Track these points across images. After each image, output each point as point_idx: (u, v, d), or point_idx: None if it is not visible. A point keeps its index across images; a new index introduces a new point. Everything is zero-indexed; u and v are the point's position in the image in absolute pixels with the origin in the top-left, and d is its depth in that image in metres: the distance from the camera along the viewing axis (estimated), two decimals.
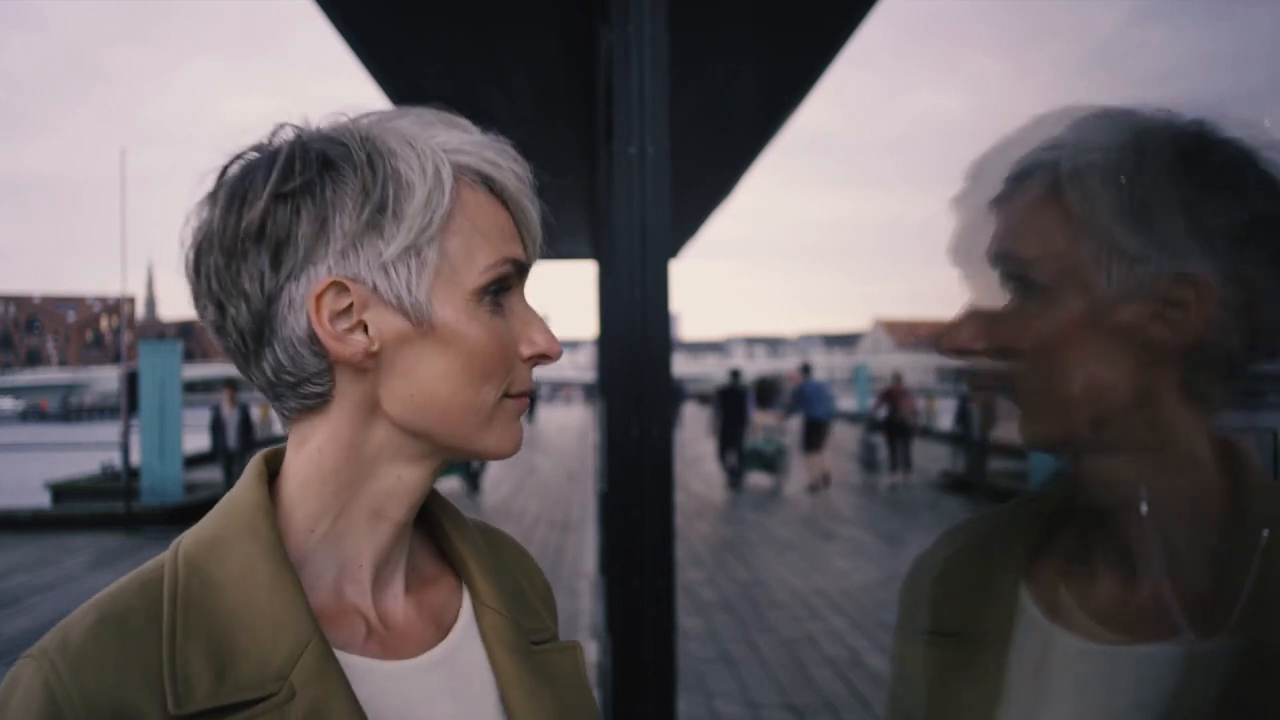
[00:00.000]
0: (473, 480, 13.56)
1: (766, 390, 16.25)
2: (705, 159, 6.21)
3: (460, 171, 0.65)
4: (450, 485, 13.69)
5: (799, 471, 14.15)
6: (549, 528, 10.51)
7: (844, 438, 20.54)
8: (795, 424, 15.00)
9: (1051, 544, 0.79)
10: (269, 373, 0.64)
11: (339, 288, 0.62)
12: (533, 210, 0.70)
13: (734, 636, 6.25)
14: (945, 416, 23.03)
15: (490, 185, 0.67)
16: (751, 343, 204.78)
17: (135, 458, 11.75)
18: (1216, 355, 0.67)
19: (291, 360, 0.63)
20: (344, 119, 0.66)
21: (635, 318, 1.95)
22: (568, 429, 28.31)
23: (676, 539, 2.02)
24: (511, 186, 0.67)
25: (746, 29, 3.99)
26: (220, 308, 0.63)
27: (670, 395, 2.04)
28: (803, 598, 7.23)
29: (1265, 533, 0.66)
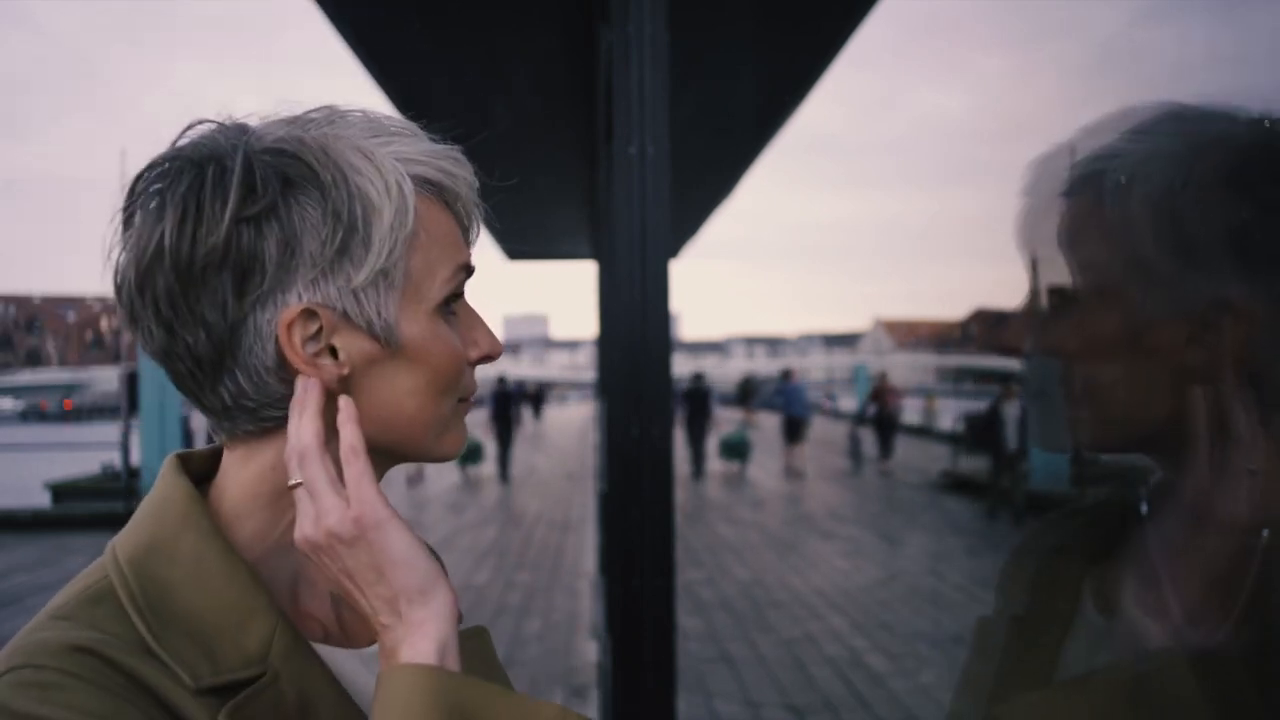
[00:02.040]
0: (503, 469, 15.15)
1: (749, 390, 18.75)
2: (705, 159, 6.20)
3: (416, 183, 0.64)
4: (485, 471, 15.36)
5: (774, 461, 16.28)
6: (549, 528, 10.51)
7: (839, 434, 20.54)
8: (763, 419, 17.45)
9: (1115, 543, 0.81)
10: (226, 399, 0.62)
11: (308, 313, 0.61)
12: (478, 214, 0.70)
13: (734, 636, 6.25)
14: (946, 416, 23.02)
15: (440, 193, 0.66)
16: (751, 343, 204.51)
17: (135, 458, 11.75)
18: (1256, 379, 0.65)
19: (255, 387, 0.62)
20: (283, 126, 0.63)
21: (635, 318, 1.95)
22: (567, 429, 28.33)
23: (676, 538, 2.02)
24: (464, 194, 0.67)
25: (746, 29, 3.99)
26: (170, 332, 0.60)
27: (670, 395, 2.04)
28: (803, 598, 7.23)
29: (1265, 533, 0.66)
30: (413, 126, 0.67)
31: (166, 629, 0.58)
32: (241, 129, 0.63)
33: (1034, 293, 0.76)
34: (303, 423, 0.61)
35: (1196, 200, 0.65)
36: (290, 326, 0.60)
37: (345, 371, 0.62)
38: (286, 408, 0.62)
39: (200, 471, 0.68)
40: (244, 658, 0.59)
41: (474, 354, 0.68)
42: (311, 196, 0.60)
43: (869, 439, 16.82)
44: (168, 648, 0.57)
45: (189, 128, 0.63)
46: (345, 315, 0.61)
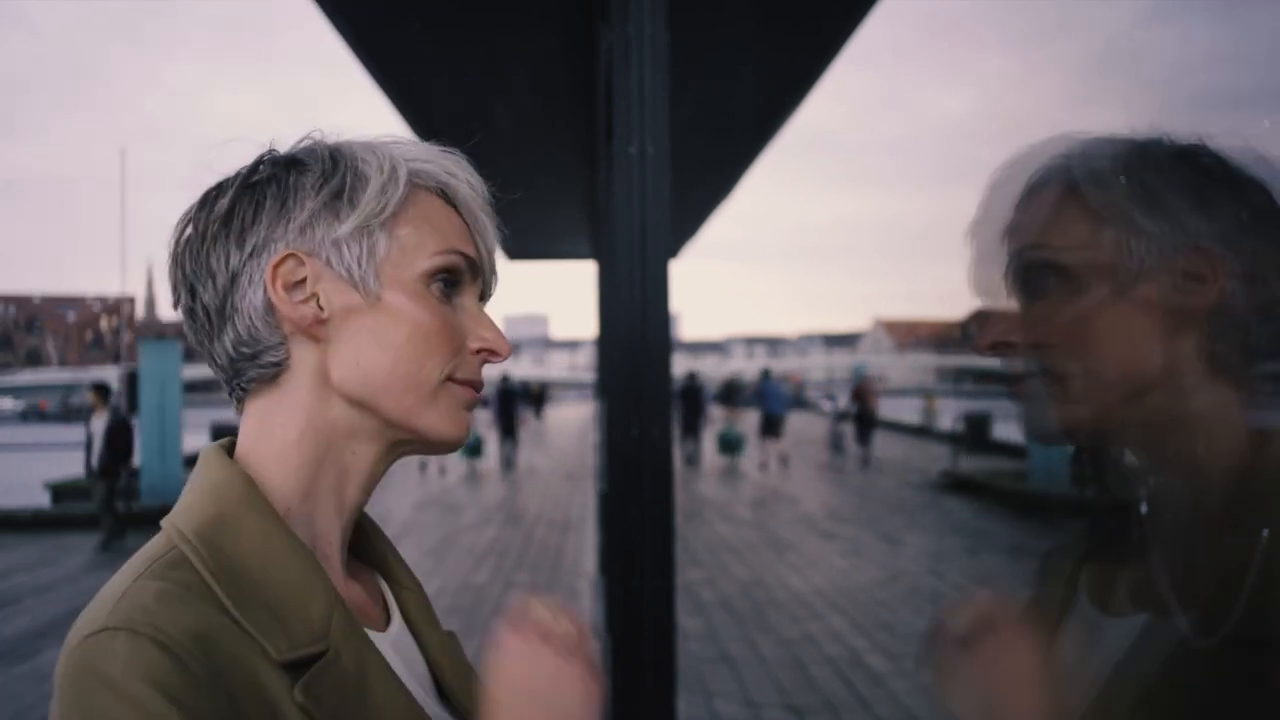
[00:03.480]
0: (508, 460, 16.80)
1: (732, 390, 20.00)
2: (705, 159, 6.20)
3: (417, 177, 0.71)
4: (488, 465, 16.49)
5: (756, 455, 17.08)
6: (549, 528, 10.51)
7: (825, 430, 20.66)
8: (753, 417, 18.34)
9: (1116, 541, 0.84)
10: (229, 346, 0.68)
11: (295, 260, 0.67)
12: (487, 221, 0.74)
13: (734, 636, 6.25)
14: (946, 416, 23.02)
15: (445, 195, 0.72)
16: (751, 343, 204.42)
17: (135, 458, 11.75)
18: (1234, 323, 0.72)
19: (249, 332, 0.67)
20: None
21: (635, 318, 1.95)
22: (567, 429, 28.35)
23: (676, 537, 2.02)
24: (465, 195, 0.72)
25: (746, 29, 3.99)
26: (192, 290, 0.68)
27: (670, 395, 2.04)
28: (803, 598, 7.23)
29: (1265, 533, 0.67)
30: (431, 145, 0.74)
31: (244, 597, 0.60)
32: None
33: (1013, 292, 0.81)
34: None
35: (1155, 168, 0.74)
36: (276, 269, 0.66)
37: (325, 316, 0.67)
38: (280, 355, 0.67)
39: None
40: (311, 633, 0.61)
41: (475, 344, 0.72)
42: (309, 166, 0.69)
43: (846, 432, 18.18)
44: (248, 616, 0.60)
45: None
46: (328, 264, 0.67)
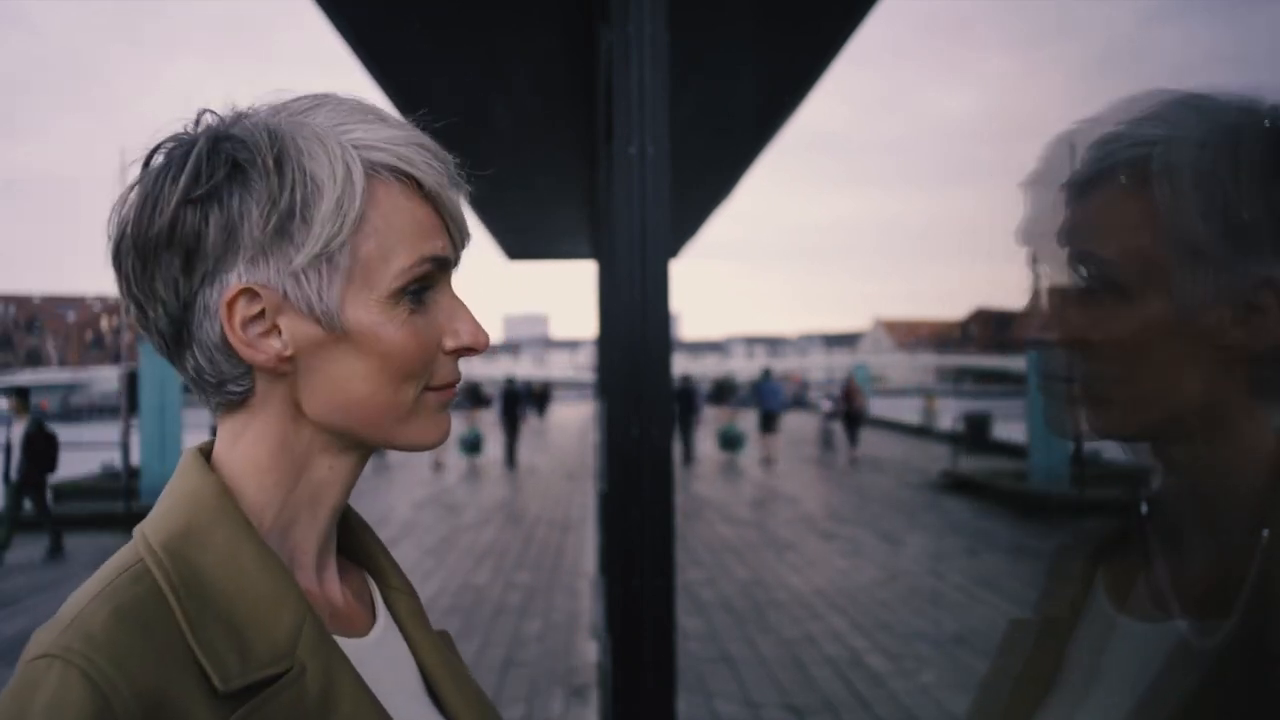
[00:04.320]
0: (510, 456, 17.03)
1: (725, 389, 21.06)
2: (705, 159, 6.21)
3: (374, 169, 0.63)
4: (488, 460, 17.05)
5: (756, 450, 17.99)
6: (549, 528, 10.51)
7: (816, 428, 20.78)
8: (744, 415, 19.76)
9: (1128, 541, 0.82)
10: (191, 371, 0.65)
11: (250, 294, 0.62)
12: (456, 196, 0.68)
13: (734, 636, 6.25)
14: (946, 416, 23.03)
15: (408, 180, 0.65)
16: (751, 343, 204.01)
17: (135, 458, 11.74)
18: None
19: (210, 363, 0.63)
20: (261, 112, 0.65)
21: (635, 318, 1.95)
22: (568, 428, 28.36)
23: (676, 537, 2.02)
24: (429, 181, 0.65)
25: (746, 29, 3.99)
26: (140, 308, 0.64)
27: (670, 395, 2.04)
28: (803, 598, 7.23)
29: (1265, 533, 0.67)
30: (386, 114, 0.67)
31: (205, 615, 0.58)
32: (236, 116, 0.65)
33: (1059, 284, 0.75)
34: None
35: (1239, 183, 0.66)
36: (231, 305, 0.61)
37: (288, 353, 0.63)
38: (245, 385, 0.64)
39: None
40: (274, 652, 0.59)
41: (450, 344, 0.67)
42: (255, 181, 0.61)
43: (837, 430, 19.37)
44: (204, 638, 0.57)
45: (199, 115, 0.65)
46: (286, 297, 0.62)
